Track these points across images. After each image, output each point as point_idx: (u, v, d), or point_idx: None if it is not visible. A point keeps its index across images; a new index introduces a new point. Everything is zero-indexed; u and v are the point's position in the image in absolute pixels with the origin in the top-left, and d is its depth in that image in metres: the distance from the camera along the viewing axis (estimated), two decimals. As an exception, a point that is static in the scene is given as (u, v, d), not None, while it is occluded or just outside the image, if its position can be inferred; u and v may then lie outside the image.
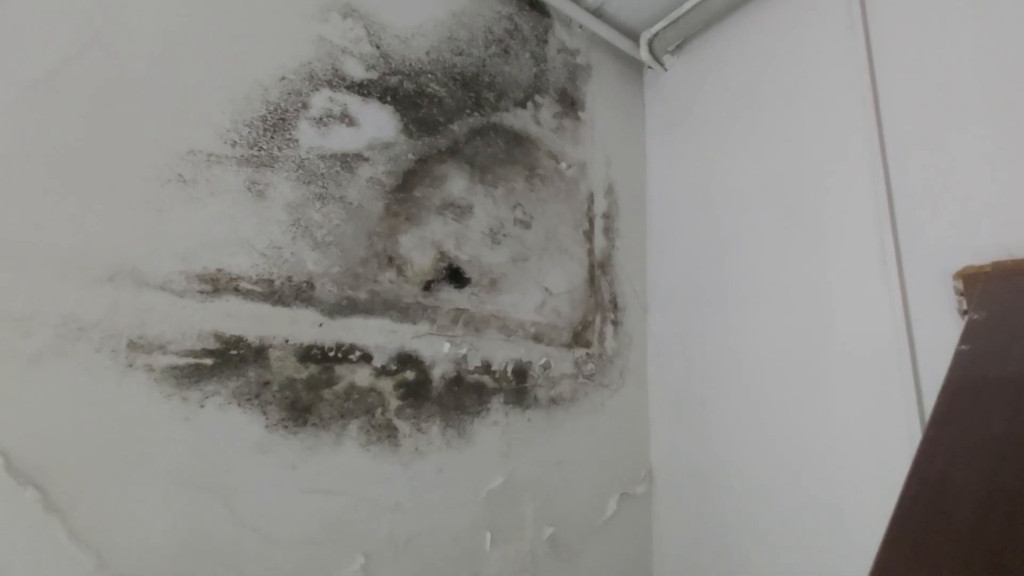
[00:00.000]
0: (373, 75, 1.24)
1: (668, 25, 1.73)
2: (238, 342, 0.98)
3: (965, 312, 0.99)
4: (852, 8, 1.31)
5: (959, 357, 0.77)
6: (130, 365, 0.87)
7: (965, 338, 0.80)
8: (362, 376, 1.11)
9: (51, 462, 0.80)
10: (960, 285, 1.01)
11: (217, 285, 0.97)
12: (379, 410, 1.12)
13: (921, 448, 0.64)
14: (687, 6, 1.67)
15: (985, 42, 1.07)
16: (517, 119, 1.50)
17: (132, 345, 0.88)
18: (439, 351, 1.22)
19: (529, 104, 1.54)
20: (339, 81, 1.19)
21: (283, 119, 1.10)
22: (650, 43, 1.80)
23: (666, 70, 1.84)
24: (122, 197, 0.91)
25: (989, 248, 0.99)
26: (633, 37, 1.82)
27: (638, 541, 1.50)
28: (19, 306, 0.81)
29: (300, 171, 1.10)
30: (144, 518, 0.86)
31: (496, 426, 1.28)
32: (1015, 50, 1.03)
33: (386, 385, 1.14)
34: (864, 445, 1.15)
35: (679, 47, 1.81)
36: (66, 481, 0.80)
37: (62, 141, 0.88)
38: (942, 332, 1.03)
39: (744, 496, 1.36)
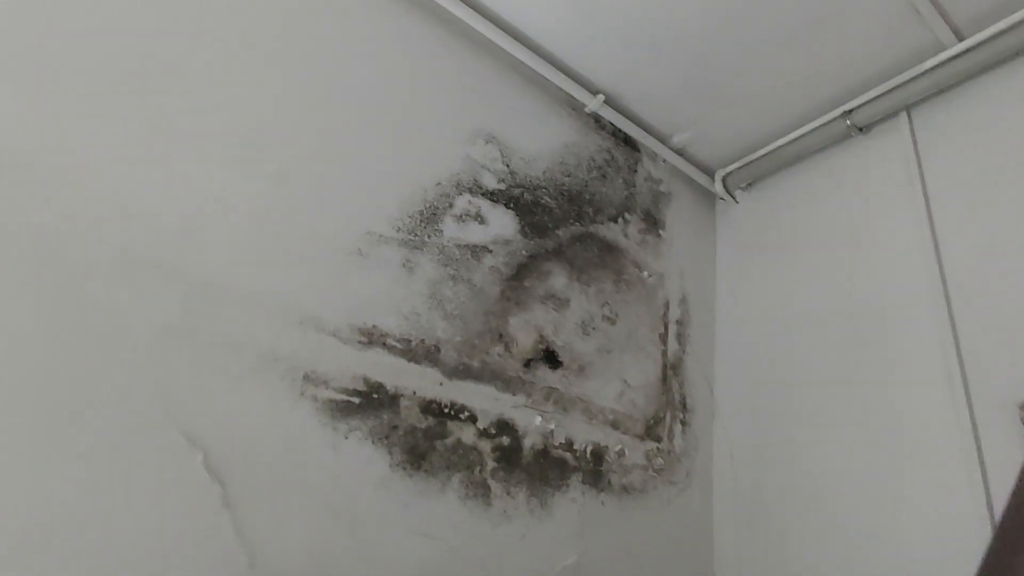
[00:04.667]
0: (502, 186, 1.53)
1: (742, 166, 2.01)
2: (379, 387, 1.16)
3: (1034, 442, 1.07)
4: (909, 163, 1.54)
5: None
6: (302, 394, 1.07)
7: (1034, 458, 0.89)
8: (467, 434, 1.26)
9: (234, 465, 0.97)
10: (1027, 416, 1.10)
11: (371, 338, 1.18)
12: (478, 468, 1.25)
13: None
14: (759, 153, 1.95)
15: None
16: (609, 231, 1.75)
17: (306, 378, 1.08)
18: (531, 423, 1.36)
19: (620, 219, 1.79)
20: (477, 189, 1.47)
21: (434, 214, 1.37)
22: (724, 179, 2.07)
23: (737, 202, 2.09)
24: (318, 262, 1.16)
25: (1053, 384, 1.10)
26: (709, 173, 2.11)
27: (701, 648, 1.47)
28: (236, 336, 1.03)
29: (441, 255, 1.35)
30: (289, 531, 1.00)
31: (574, 503, 1.37)
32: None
33: (486, 446, 1.27)
34: (938, 570, 1.17)
35: (750, 184, 2.07)
36: (241, 483, 0.97)
37: (284, 217, 1.16)
38: (1011, 458, 1.10)
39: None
